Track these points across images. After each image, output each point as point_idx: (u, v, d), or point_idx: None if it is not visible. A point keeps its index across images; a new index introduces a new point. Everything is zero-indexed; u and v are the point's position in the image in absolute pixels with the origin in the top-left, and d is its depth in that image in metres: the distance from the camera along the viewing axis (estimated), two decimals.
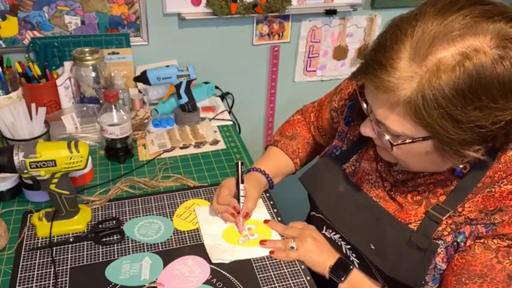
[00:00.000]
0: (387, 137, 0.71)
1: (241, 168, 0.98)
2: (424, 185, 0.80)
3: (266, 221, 1.00)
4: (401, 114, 0.66)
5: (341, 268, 0.87)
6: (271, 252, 0.92)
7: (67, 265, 0.87)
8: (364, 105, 0.75)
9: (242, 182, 0.98)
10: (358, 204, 0.87)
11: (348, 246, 0.90)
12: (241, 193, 0.98)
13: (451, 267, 0.75)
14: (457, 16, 0.62)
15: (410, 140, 0.69)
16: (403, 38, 0.64)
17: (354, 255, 0.89)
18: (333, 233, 0.93)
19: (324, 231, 0.96)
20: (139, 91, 1.46)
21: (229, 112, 1.58)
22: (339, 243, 0.92)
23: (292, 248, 0.91)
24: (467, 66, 0.60)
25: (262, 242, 0.94)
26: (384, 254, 0.80)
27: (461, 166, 0.74)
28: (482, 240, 0.72)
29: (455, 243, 0.75)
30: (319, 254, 0.90)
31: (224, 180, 1.01)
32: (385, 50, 0.65)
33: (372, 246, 0.82)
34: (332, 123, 1.06)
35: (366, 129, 0.76)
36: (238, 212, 0.97)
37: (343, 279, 0.86)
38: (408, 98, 0.64)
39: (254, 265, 0.89)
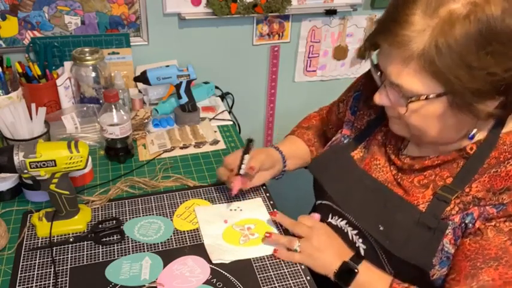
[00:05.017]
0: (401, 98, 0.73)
1: (249, 144, 0.99)
2: (431, 168, 0.82)
3: (273, 213, 0.97)
4: (415, 69, 0.69)
5: (346, 272, 0.85)
6: (275, 250, 0.91)
7: (67, 265, 0.87)
8: (378, 73, 0.78)
9: (247, 153, 0.99)
10: (367, 187, 0.89)
11: (355, 232, 0.89)
12: (244, 161, 0.98)
13: (464, 253, 0.75)
14: None
15: (425, 97, 0.71)
16: None
17: (360, 240, 0.88)
18: (340, 220, 0.92)
19: (330, 219, 0.95)
20: (139, 91, 1.46)
21: (229, 112, 1.58)
22: (345, 230, 0.91)
23: (295, 250, 0.90)
24: (478, 15, 0.63)
25: (268, 235, 0.92)
26: (392, 235, 0.81)
27: (475, 130, 0.76)
28: (493, 223, 0.73)
29: (463, 225, 0.75)
30: (323, 260, 0.88)
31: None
32: (398, 8, 0.69)
33: (381, 228, 0.83)
34: (337, 113, 1.11)
35: (381, 96, 0.79)
36: (238, 174, 0.98)
37: (348, 283, 0.84)
38: (421, 50, 0.67)
39: (254, 265, 0.89)
